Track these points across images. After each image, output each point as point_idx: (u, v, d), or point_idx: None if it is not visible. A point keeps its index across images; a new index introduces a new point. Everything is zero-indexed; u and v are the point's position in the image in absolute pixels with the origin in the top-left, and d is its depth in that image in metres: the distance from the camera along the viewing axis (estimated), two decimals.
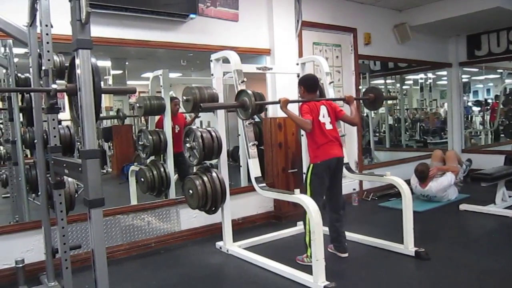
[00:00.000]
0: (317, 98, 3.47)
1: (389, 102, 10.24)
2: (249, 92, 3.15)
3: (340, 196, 3.45)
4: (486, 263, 3.16)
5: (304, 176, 4.14)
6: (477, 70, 9.19)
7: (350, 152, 5.33)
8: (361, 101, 4.75)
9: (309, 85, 3.44)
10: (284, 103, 3.28)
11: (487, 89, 12.24)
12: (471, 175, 5.01)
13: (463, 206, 4.71)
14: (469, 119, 10.57)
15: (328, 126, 3.33)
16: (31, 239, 3.25)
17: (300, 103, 3.47)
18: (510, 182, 4.80)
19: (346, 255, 3.38)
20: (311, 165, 3.31)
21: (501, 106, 8.94)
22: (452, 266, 3.15)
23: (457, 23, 6.10)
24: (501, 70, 9.98)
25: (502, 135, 9.16)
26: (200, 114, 7.63)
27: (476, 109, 10.79)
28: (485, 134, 9.78)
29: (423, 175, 5.10)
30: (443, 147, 7.67)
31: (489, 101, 10.93)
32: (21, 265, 2.74)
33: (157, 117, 4.81)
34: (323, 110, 3.34)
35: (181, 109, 4.86)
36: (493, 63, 7.48)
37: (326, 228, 3.28)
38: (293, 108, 3.77)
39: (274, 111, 4.63)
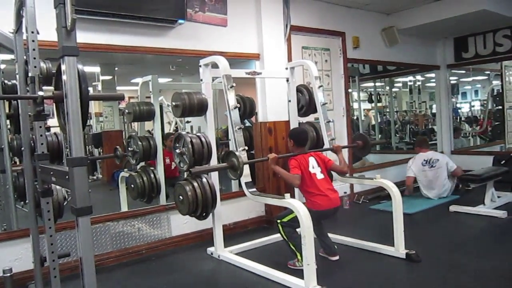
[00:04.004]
0: (305, 151, 3.48)
1: (379, 104, 10.33)
2: (237, 153, 3.12)
3: None
4: (476, 264, 3.19)
5: None
6: (464, 72, 9.29)
7: None
8: (350, 101, 4.77)
9: (300, 140, 3.49)
10: (272, 160, 3.29)
11: (475, 91, 12.39)
12: (460, 177, 5.07)
13: (453, 207, 4.74)
14: (458, 120, 10.68)
15: (320, 176, 3.36)
16: (19, 247, 3.22)
17: (288, 158, 3.46)
18: (499, 182, 4.85)
19: (336, 258, 3.39)
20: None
21: (489, 107, 9.04)
22: (442, 267, 3.16)
23: (444, 26, 6.17)
24: (488, 72, 10.11)
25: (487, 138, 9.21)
26: (190, 119, 7.66)
27: (467, 126, 10.89)
28: (473, 135, 9.88)
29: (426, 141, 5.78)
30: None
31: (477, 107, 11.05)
32: (9, 274, 2.69)
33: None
34: (312, 161, 3.39)
35: None
36: (480, 64, 7.57)
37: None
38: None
39: (264, 116, 4.64)
